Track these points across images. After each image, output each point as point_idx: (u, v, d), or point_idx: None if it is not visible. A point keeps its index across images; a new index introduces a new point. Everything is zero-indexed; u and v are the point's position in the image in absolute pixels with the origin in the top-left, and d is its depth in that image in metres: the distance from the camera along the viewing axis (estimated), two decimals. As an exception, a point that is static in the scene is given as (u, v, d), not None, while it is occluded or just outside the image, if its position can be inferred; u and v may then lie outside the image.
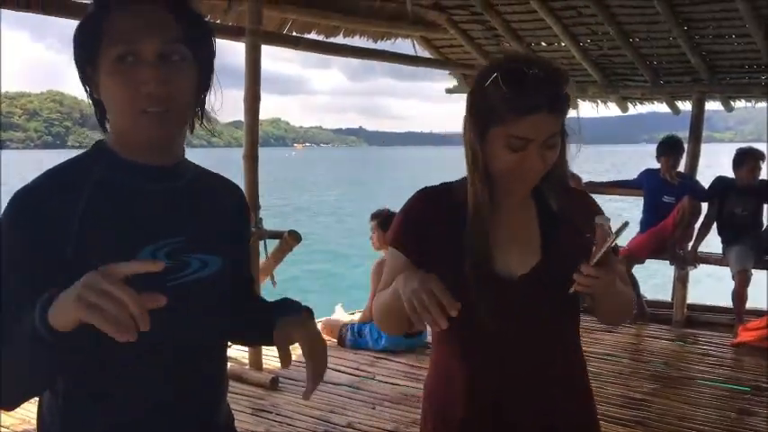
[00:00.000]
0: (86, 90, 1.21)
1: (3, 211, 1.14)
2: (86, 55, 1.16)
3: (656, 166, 5.78)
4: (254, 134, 4.38)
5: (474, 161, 1.42)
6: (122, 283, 0.93)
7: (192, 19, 1.19)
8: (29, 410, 3.76)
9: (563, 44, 6.29)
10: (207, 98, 1.26)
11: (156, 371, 1.20)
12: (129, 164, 1.20)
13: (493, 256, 1.44)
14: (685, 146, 5.87)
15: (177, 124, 1.20)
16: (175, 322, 1.18)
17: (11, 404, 1.11)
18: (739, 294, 5.25)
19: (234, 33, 4.33)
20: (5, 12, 3.74)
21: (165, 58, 1.14)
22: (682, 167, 5.84)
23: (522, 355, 1.46)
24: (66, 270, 1.08)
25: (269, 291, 4.84)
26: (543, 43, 6.60)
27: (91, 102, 1.22)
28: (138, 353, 1.15)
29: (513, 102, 1.34)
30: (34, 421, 1.26)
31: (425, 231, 1.48)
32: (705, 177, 5.91)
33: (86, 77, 1.19)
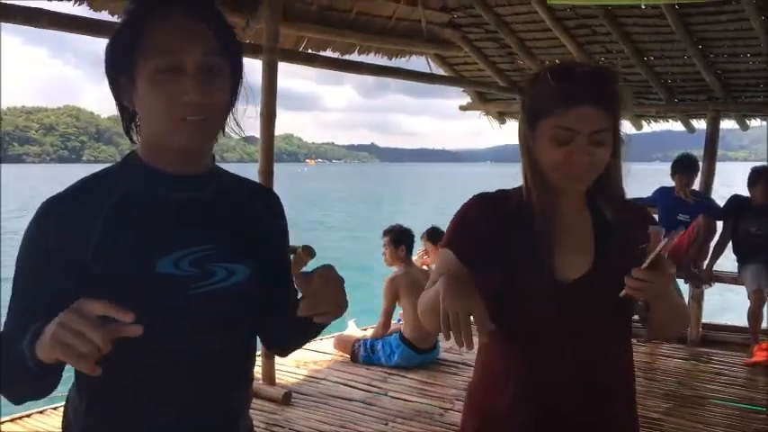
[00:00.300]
0: (116, 99, 1.23)
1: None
2: (123, 64, 1.18)
3: (671, 184, 5.77)
4: (269, 150, 4.42)
5: (526, 154, 1.48)
6: (95, 322, 0.97)
7: (227, 32, 1.22)
8: (41, 421, 3.79)
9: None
10: (236, 107, 1.29)
11: (178, 378, 1.21)
12: (157, 173, 1.23)
13: (550, 260, 1.47)
14: (700, 164, 5.86)
15: (213, 133, 1.23)
16: (199, 331, 1.21)
17: (16, 401, 1.19)
18: (754, 314, 5.22)
19: (251, 51, 4.38)
20: (26, 28, 3.82)
21: (205, 69, 1.17)
22: (696, 186, 5.82)
23: (574, 357, 1.48)
24: (85, 273, 1.13)
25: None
26: (557, 61, 6.61)
27: (119, 111, 1.25)
28: (162, 360, 1.17)
29: (560, 93, 1.40)
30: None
31: (479, 235, 1.50)
32: (719, 196, 5.89)
33: (118, 87, 1.21)
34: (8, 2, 3.47)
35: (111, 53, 1.20)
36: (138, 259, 1.16)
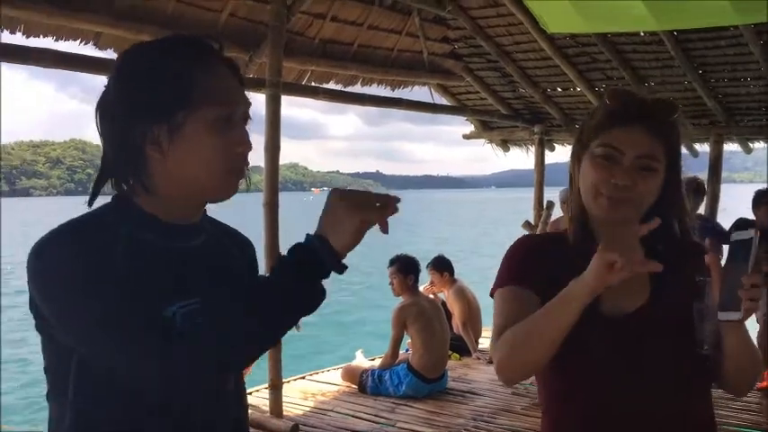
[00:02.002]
0: (130, 145, 1.14)
1: (47, 258, 1.09)
2: (165, 111, 1.12)
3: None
4: (273, 182, 4.45)
5: (572, 186, 1.43)
6: None
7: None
8: None
9: (578, 89, 6.35)
10: None
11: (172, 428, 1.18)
12: (156, 221, 1.19)
13: (600, 293, 1.35)
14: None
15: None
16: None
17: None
18: (765, 337, 5.16)
19: (254, 85, 4.43)
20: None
21: (246, 120, 1.20)
22: (701, 210, 5.81)
23: (636, 393, 1.37)
24: None
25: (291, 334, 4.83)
26: (559, 89, 6.67)
27: (124, 157, 1.15)
28: (160, 410, 1.15)
29: (613, 112, 1.36)
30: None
31: (538, 265, 1.45)
32: (723, 219, 5.87)
33: (143, 133, 1.13)
34: (13, 42, 3.53)
35: (140, 99, 1.12)
36: (142, 314, 1.11)
